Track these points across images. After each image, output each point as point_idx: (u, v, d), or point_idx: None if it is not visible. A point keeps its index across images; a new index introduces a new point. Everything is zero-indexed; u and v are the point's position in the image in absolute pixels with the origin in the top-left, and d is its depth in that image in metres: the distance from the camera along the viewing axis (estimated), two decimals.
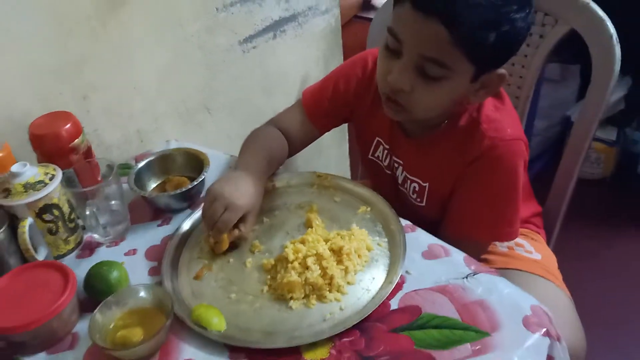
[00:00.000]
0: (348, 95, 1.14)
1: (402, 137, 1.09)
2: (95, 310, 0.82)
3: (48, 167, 0.95)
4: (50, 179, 0.94)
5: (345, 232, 0.94)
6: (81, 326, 0.87)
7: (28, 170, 0.92)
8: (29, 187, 0.91)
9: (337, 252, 0.89)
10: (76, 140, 1.02)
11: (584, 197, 1.82)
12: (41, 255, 0.94)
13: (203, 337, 0.82)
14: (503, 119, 1.00)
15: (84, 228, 1.02)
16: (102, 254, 1.00)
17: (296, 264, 0.88)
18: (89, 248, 1.02)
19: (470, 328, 0.79)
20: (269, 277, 0.90)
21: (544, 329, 0.78)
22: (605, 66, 1.12)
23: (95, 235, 1.02)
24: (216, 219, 0.92)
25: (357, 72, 1.14)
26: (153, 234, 1.03)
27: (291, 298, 0.86)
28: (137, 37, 1.20)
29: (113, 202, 1.01)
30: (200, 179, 1.05)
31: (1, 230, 0.90)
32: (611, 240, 2.19)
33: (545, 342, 0.77)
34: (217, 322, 0.83)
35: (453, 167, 1.02)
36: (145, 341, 0.78)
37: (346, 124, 1.33)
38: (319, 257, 0.88)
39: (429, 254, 0.92)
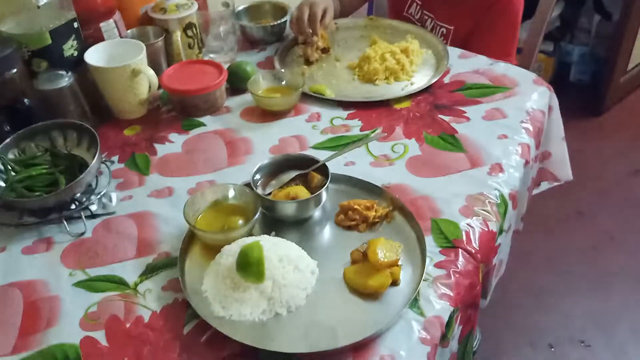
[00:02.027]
0: None
1: None
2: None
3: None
4: (190, 5, 1.27)
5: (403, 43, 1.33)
6: (229, 102, 1.22)
7: None
8: (179, 7, 1.25)
9: (404, 51, 1.29)
10: None
11: None
12: None
13: (322, 100, 1.20)
14: None
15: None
16: None
17: (377, 57, 1.27)
18: None
19: (500, 87, 1.21)
20: (356, 70, 1.29)
21: (546, 86, 1.22)
22: None
23: (212, 55, 1.36)
24: (305, 17, 1.29)
25: None
26: (256, 57, 1.38)
27: (376, 79, 1.25)
28: None
29: (226, 33, 1.35)
30: (287, 17, 1.41)
31: (160, 39, 1.23)
32: None
33: (547, 93, 1.21)
34: (328, 92, 1.21)
35: (474, 13, 1.43)
36: (283, 98, 1.15)
37: None
38: (392, 53, 1.27)
39: (462, 56, 1.33)
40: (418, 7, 1.53)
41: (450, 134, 1.09)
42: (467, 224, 0.89)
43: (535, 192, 1.31)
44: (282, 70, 1.24)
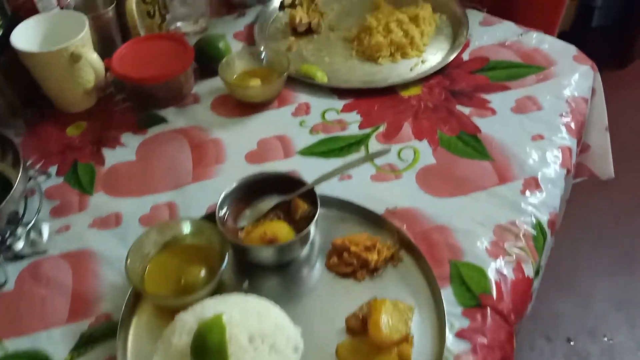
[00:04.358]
0: None
1: None
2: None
3: None
4: None
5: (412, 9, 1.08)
6: (198, 87, 0.99)
7: None
8: None
9: (413, 19, 1.04)
10: None
11: None
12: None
13: (312, 86, 0.97)
14: None
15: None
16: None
17: (380, 28, 1.02)
18: None
19: (532, 66, 0.98)
20: (355, 43, 1.04)
21: (589, 65, 0.98)
22: None
23: (180, 24, 1.11)
24: None
25: None
26: (233, 25, 1.13)
27: (379, 57, 1.01)
28: None
29: None
30: None
31: (110, 8, 0.99)
32: None
33: (590, 73, 0.97)
34: (320, 75, 0.98)
35: None
36: (264, 85, 0.92)
37: None
38: (399, 22, 1.03)
39: (484, 23, 1.08)
40: None
41: (472, 134, 0.87)
42: (497, 271, 0.69)
43: None
44: (262, 48, 0.99)
